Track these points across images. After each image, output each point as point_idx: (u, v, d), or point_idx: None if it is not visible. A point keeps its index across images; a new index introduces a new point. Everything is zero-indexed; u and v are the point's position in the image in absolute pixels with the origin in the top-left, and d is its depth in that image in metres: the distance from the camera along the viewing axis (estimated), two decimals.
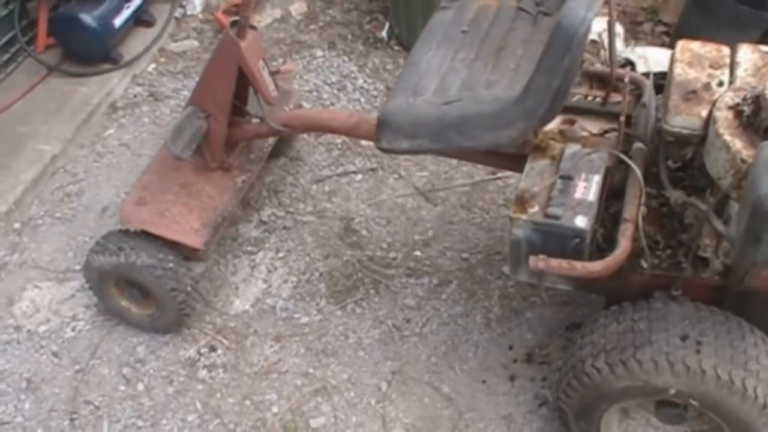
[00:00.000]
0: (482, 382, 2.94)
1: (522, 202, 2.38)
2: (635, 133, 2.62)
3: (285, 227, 3.46)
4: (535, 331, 3.07)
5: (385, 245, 3.38)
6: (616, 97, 2.78)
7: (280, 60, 4.17)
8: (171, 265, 2.91)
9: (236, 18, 2.79)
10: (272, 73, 2.91)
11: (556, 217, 2.32)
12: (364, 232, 3.43)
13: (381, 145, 2.47)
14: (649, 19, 4.20)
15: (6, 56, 4.07)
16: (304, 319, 3.15)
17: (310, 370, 3.00)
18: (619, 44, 3.88)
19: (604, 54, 3.84)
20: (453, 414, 2.86)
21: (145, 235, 2.93)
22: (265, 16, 4.42)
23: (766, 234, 1.95)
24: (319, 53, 4.23)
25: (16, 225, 3.53)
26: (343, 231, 3.43)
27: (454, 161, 3.63)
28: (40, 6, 4.02)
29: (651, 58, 3.73)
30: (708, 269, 2.43)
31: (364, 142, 3.73)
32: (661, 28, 4.17)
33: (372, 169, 3.67)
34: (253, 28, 2.84)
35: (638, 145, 2.57)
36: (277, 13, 4.47)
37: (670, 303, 2.40)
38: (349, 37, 4.31)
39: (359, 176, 3.65)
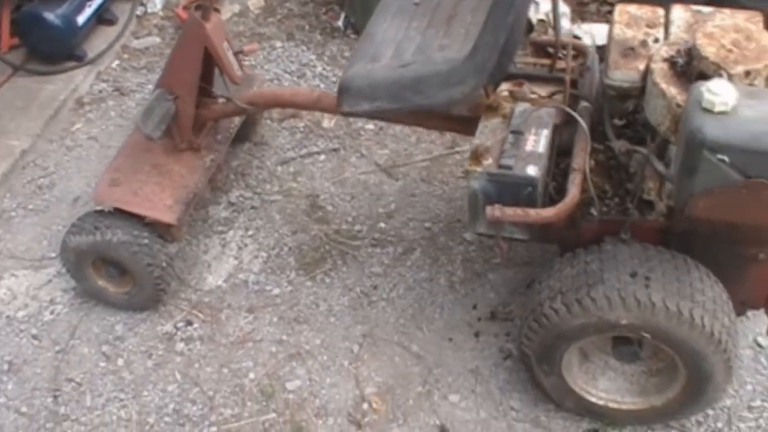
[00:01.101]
0: (449, 340, 3.09)
1: (477, 156, 2.54)
2: (581, 93, 2.80)
3: (253, 207, 3.59)
4: (497, 291, 3.23)
5: (350, 219, 3.52)
6: (562, 65, 2.97)
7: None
8: (146, 241, 3.03)
9: (200, 2, 2.94)
10: (236, 54, 3.06)
11: (509, 168, 2.49)
12: (330, 208, 3.57)
13: (343, 109, 2.63)
14: None
15: None
16: (276, 291, 3.28)
17: (284, 338, 3.13)
18: (566, 23, 4.09)
19: (551, 33, 4.03)
20: (423, 370, 3.01)
21: (120, 214, 3.04)
22: (224, 11, 4.56)
23: (700, 164, 2.14)
24: (279, 44, 4.38)
25: None
26: (309, 208, 3.57)
27: (414, 139, 3.80)
28: (2, 7, 4.11)
29: (597, 34, 3.94)
30: (653, 212, 2.62)
31: (325, 124, 3.90)
32: (606, 8, 4.37)
33: (334, 150, 3.82)
34: (217, 10, 2.99)
35: (584, 103, 2.75)
36: (236, 8, 4.62)
37: (619, 245, 2.57)
38: (307, 27, 4.47)
39: (322, 156, 3.79)
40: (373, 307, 3.21)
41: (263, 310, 3.22)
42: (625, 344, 2.66)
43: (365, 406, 2.92)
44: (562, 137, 2.75)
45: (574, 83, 2.83)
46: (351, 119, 3.91)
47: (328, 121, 3.92)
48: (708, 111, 2.10)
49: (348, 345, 3.10)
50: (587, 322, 2.49)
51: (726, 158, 2.09)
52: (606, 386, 2.79)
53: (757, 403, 2.87)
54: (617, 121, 2.74)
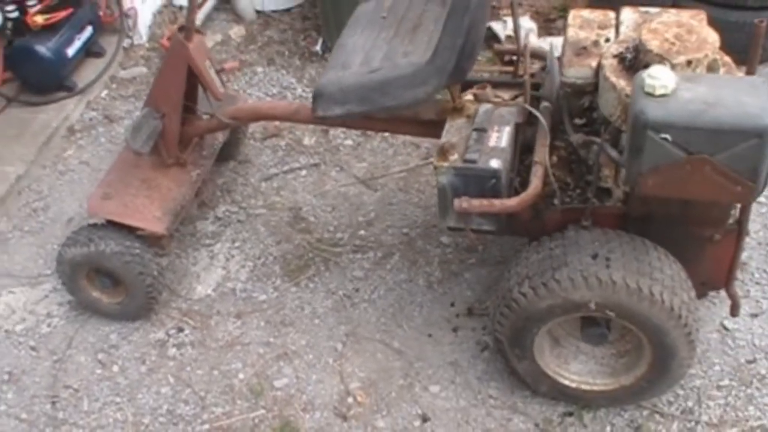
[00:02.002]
0: (428, 336, 3.24)
1: (443, 152, 2.72)
2: (542, 94, 2.99)
3: (239, 221, 3.76)
4: (473, 288, 3.38)
5: (331, 228, 3.69)
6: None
7: (224, 78, 4.50)
8: (137, 251, 3.19)
9: (183, 24, 3.14)
10: (218, 72, 3.25)
11: (473, 161, 2.66)
12: (312, 219, 3.74)
13: (317, 114, 2.82)
14: (561, 16, 4.62)
15: None
16: (262, 297, 3.44)
17: (271, 340, 3.28)
18: (533, 38, 4.30)
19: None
20: (404, 365, 3.15)
21: (112, 226, 3.21)
22: (207, 40, 4.74)
23: (645, 143, 2.32)
24: (260, 69, 4.60)
25: None
26: (292, 219, 3.74)
27: (390, 152, 3.99)
28: None
29: (559, 45, 4.14)
30: (611, 198, 2.80)
31: (306, 141, 4.10)
32: None
33: (315, 165, 4.00)
34: (199, 32, 3.19)
35: (545, 103, 2.93)
36: (218, 37, 4.85)
37: (581, 231, 2.74)
38: (286, 53, 4.69)
39: (304, 171, 3.98)
40: (355, 308, 3.36)
41: (251, 315, 3.37)
42: (592, 327, 2.81)
43: (350, 399, 3.06)
44: (525, 135, 2.93)
45: (537, 86, 3.02)
46: (331, 136, 4.11)
47: (308, 139, 4.12)
48: (650, 95, 2.29)
49: (332, 344, 3.24)
50: (554, 303, 2.65)
51: (668, 137, 2.27)
52: (578, 369, 2.94)
53: (725, 382, 3.01)
54: (578, 121, 2.93)
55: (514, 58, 3.26)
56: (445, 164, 2.68)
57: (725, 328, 3.17)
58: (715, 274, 2.86)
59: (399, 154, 3.97)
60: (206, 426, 3.02)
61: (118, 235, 3.19)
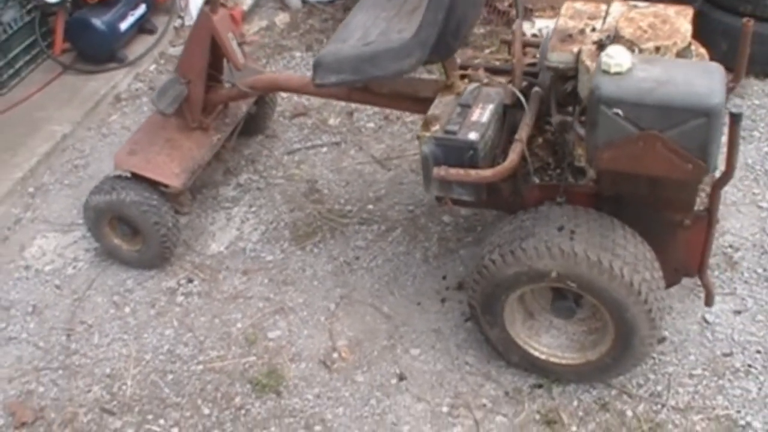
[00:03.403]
0: (417, 304, 3.42)
1: (427, 123, 2.90)
2: (535, 81, 3.16)
3: (258, 188, 4.02)
4: (466, 265, 3.54)
5: (342, 201, 3.92)
6: (528, 60, 3.34)
7: (264, 61, 4.81)
8: (154, 202, 3.47)
9: None
10: (240, 44, 3.52)
11: (453, 132, 2.84)
12: (326, 191, 3.98)
13: (315, 81, 3.05)
14: None
15: (27, 57, 4.78)
16: (269, 257, 3.68)
17: (271, 296, 3.51)
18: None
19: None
20: (390, 328, 3.34)
21: (135, 178, 3.50)
22: (253, 25, 5.12)
23: (600, 118, 2.47)
24: (298, 54, 4.89)
25: (30, 189, 4.15)
26: (307, 190, 3.98)
27: (409, 136, 4.20)
28: (58, 15, 4.72)
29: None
30: (585, 178, 2.95)
31: (331, 122, 4.36)
32: None
33: (336, 143, 4.24)
34: (224, 5, 3.46)
35: (536, 89, 3.10)
36: (264, 23, 5.17)
37: (554, 207, 2.89)
38: (324, 40, 4.93)
39: (325, 149, 4.22)
40: (353, 274, 3.56)
41: (256, 273, 3.61)
42: (561, 300, 2.96)
43: (335, 354, 3.27)
44: (515, 118, 3.10)
45: (534, 74, 3.19)
46: (355, 118, 4.36)
47: (333, 119, 4.37)
48: (606, 72, 2.44)
49: (326, 304, 3.45)
50: (519, 271, 2.79)
51: (620, 112, 2.42)
52: (548, 342, 3.07)
53: (698, 371, 3.09)
54: (567, 106, 3.08)
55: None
56: (427, 134, 2.87)
57: (706, 321, 3.25)
58: (687, 260, 2.95)
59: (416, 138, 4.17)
60: (200, 366, 3.27)
61: (139, 187, 3.47)
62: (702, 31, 4.44)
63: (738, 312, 3.28)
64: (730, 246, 3.54)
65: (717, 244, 3.53)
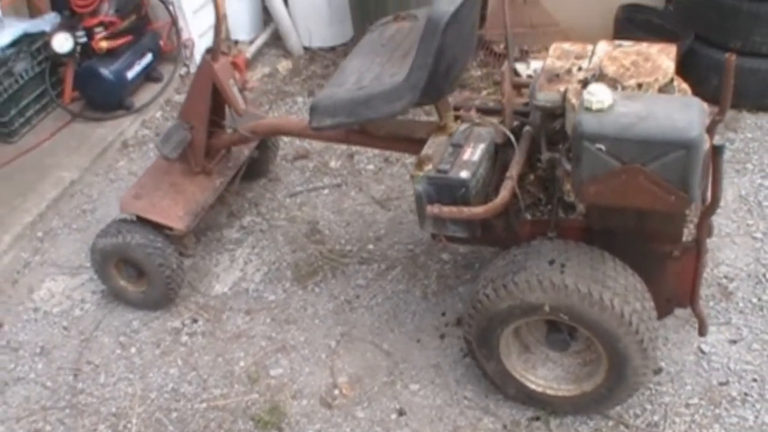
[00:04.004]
0: (417, 341, 3.48)
1: (420, 163, 2.99)
2: (526, 120, 3.25)
3: (261, 230, 4.12)
4: (465, 301, 3.59)
5: (343, 241, 4.00)
6: (520, 99, 3.44)
7: (267, 107, 4.95)
8: (159, 244, 3.56)
9: (210, 46, 3.55)
10: (241, 90, 3.64)
11: (445, 171, 2.93)
12: (327, 232, 4.06)
13: (312, 125, 3.14)
14: None
15: (38, 106, 4.93)
16: (272, 297, 3.76)
17: (274, 335, 3.58)
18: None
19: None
20: (390, 364, 3.40)
21: (140, 222, 3.61)
22: (256, 72, 5.27)
23: (584, 153, 2.55)
24: (300, 99, 5.02)
25: (39, 234, 4.26)
26: (309, 231, 4.07)
27: (408, 177, 4.28)
28: (67, 65, 4.88)
29: None
30: (574, 212, 3.02)
31: (332, 164, 4.46)
32: None
33: (337, 185, 4.34)
34: (224, 54, 3.59)
35: (527, 127, 3.19)
36: (267, 69, 5.32)
37: (545, 241, 2.96)
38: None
39: (326, 191, 4.32)
40: (353, 312, 3.64)
41: (259, 313, 3.69)
42: (555, 333, 3.01)
43: (336, 391, 3.32)
44: (506, 156, 3.19)
45: (526, 114, 3.29)
46: (355, 161, 4.46)
47: (334, 162, 4.48)
48: (588, 109, 2.53)
49: (327, 342, 3.52)
50: (513, 305, 2.85)
51: (602, 147, 2.50)
52: (544, 374, 3.12)
53: (695, 401, 3.13)
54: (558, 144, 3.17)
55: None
56: (420, 173, 2.96)
57: (702, 351, 3.30)
58: (679, 291, 3.01)
59: None
60: (204, 404, 3.33)
61: (144, 230, 3.57)
62: (693, 67, 4.60)
63: (733, 341, 3.32)
64: (725, 276, 3.59)
65: (712, 274, 3.59)
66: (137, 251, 3.54)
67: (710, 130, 2.90)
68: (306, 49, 5.52)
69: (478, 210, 2.89)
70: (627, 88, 2.72)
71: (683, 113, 2.51)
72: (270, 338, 3.57)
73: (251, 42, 5.53)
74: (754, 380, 3.17)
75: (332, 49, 5.50)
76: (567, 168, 2.82)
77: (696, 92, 4.42)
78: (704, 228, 2.86)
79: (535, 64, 4.68)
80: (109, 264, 3.66)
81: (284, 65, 5.35)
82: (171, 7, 5.14)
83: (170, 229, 3.60)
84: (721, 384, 3.18)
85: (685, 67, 4.44)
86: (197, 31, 5.31)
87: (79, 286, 3.93)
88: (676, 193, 2.53)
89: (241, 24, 5.56)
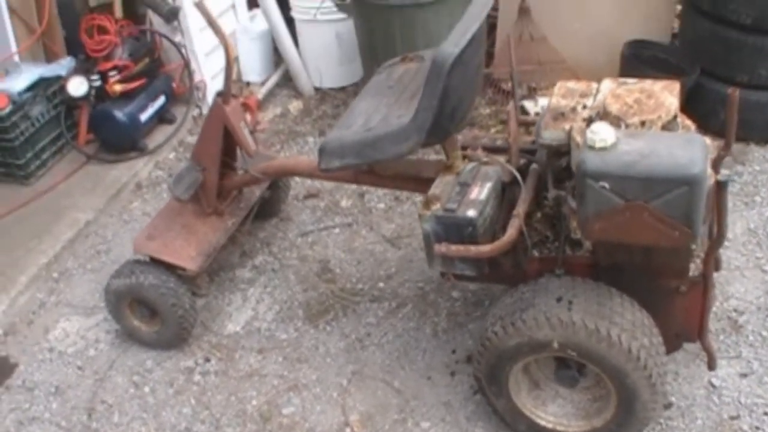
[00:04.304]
0: (428, 378, 3.49)
1: (427, 202, 3.03)
2: (533, 158, 3.29)
3: (273, 270, 4.16)
4: (475, 338, 3.60)
5: (354, 279, 4.04)
6: (527, 137, 3.48)
7: (278, 147, 5.02)
8: (172, 284, 3.61)
9: (221, 89, 3.63)
10: (251, 132, 3.70)
11: (452, 210, 2.96)
12: (338, 271, 4.10)
13: (321, 166, 3.19)
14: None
15: (54, 148, 5.03)
16: (283, 336, 3.79)
17: (286, 373, 3.60)
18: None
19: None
20: (401, 402, 3.41)
21: (153, 262, 3.66)
22: (267, 113, 5.36)
23: (588, 191, 2.59)
24: (311, 139, 5.09)
25: (55, 274, 4.32)
26: (320, 270, 4.11)
27: (417, 214, 4.32)
28: (82, 108, 4.98)
29: None
30: (581, 249, 3.05)
31: (343, 204, 4.51)
32: None
33: (348, 224, 4.39)
34: (235, 96, 3.66)
35: (533, 165, 3.24)
36: (278, 110, 5.40)
37: (552, 278, 2.99)
38: None
39: (337, 230, 4.37)
40: (364, 350, 3.66)
41: (271, 352, 3.72)
42: (564, 369, 3.03)
43: (348, 429, 3.33)
44: (514, 194, 3.22)
45: (533, 152, 3.33)
46: (366, 199, 4.51)
47: (345, 201, 4.53)
48: (591, 147, 2.57)
49: (339, 380, 3.54)
50: (521, 342, 2.88)
51: (606, 184, 2.54)
52: (554, 411, 3.13)
53: None
54: (565, 181, 3.21)
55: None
56: (428, 213, 3.00)
57: (712, 385, 3.30)
58: (687, 325, 3.02)
59: None
60: None
61: (157, 271, 3.62)
62: (701, 101, 4.66)
63: (744, 375, 3.33)
64: (735, 310, 3.60)
65: (721, 308, 3.60)
66: (150, 291, 3.59)
67: (716, 164, 2.94)
68: (316, 89, 5.61)
69: (485, 248, 2.92)
70: (630, 125, 2.75)
71: (685, 150, 2.54)
72: (282, 377, 3.59)
73: (263, 83, 5.64)
74: (765, 414, 3.16)
75: (342, 89, 5.58)
76: (572, 205, 2.86)
77: (704, 126, 4.56)
78: (710, 263, 2.88)
79: (543, 102, 4.73)
80: (123, 304, 3.70)
81: (295, 105, 5.43)
82: (183, 50, 5.25)
83: (183, 269, 3.65)
84: (732, 418, 3.18)
85: (692, 102, 4.55)
86: (209, 73, 5.41)
87: (94, 326, 3.97)
88: (680, 228, 2.55)
89: (253, 66, 5.67)
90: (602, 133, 2.57)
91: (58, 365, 3.80)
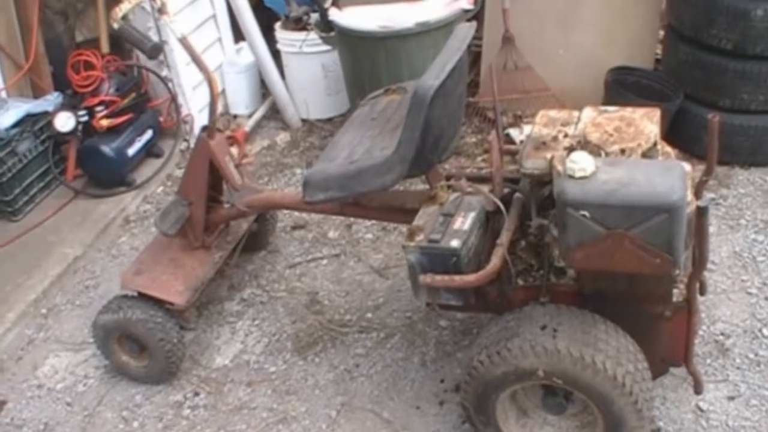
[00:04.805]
0: (416, 408, 3.49)
1: (411, 233, 3.04)
2: (516, 187, 3.32)
3: (261, 302, 4.17)
4: (464, 367, 3.62)
5: (342, 311, 4.05)
6: (512, 166, 3.51)
7: (266, 179, 5.04)
8: (160, 319, 3.61)
9: (206, 124, 3.66)
10: (237, 166, 3.73)
11: (436, 241, 2.98)
12: (326, 302, 4.11)
13: (305, 199, 3.22)
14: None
15: (41, 184, 5.03)
16: (272, 368, 3.78)
17: (275, 406, 3.60)
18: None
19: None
20: None
21: (140, 297, 3.66)
22: (255, 145, 5.39)
23: (569, 220, 2.61)
24: (299, 171, 5.11)
25: (43, 310, 4.31)
26: (309, 302, 4.12)
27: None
28: (70, 144, 5.00)
29: None
30: (566, 277, 3.07)
31: (330, 235, 4.53)
32: None
33: (336, 255, 4.40)
34: (220, 131, 3.69)
35: (517, 194, 3.26)
36: (266, 142, 5.43)
37: (537, 307, 3.00)
38: None
39: (325, 261, 4.38)
40: (353, 381, 3.66)
41: (260, 384, 3.71)
42: (551, 397, 3.03)
43: None
44: (497, 224, 3.24)
45: (517, 180, 3.35)
46: (353, 230, 4.53)
47: (333, 232, 4.55)
48: (571, 177, 2.60)
49: (328, 412, 3.53)
50: (507, 371, 2.88)
51: (586, 213, 2.57)
52: None
53: None
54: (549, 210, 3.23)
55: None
56: (412, 244, 3.01)
57: (700, 409, 3.30)
58: (672, 350, 3.03)
59: None
60: None
61: (145, 305, 3.63)
62: (685, 126, 4.70)
63: (731, 398, 3.34)
64: (722, 333, 3.61)
65: (708, 332, 3.62)
66: (138, 327, 3.59)
67: (698, 190, 2.97)
68: (303, 120, 5.64)
69: (469, 278, 2.94)
70: (610, 154, 2.79)
71: (664, 177, 2.56)
72: (271, 409, 3.58)
73: (250, 115, 5.67)
74: None
75: (329, 120, 5.61)
76: (554, 234, 2.88)
77: (688, 150, 4.61)
78: (694, 288, 2.90)
79: (529, 130, 4.76)
80: (111, 340, 3.70)
81: (282, 137, 5.47)
82: (170, 84, 5.29)
83: (171, 304, 3.66)
84: None
85: (676, 127, 4.60)
86: (196, 106, 5.44)
87: (83, 362, 3.96)
88: (661, 256, 2.57)
89: (240, 98, 5.71)
90: (582, 163, 2.60)
91: (47, 402, 3.79)
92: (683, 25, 4.65)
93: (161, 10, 3.56)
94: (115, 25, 3.44)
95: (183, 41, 3.50)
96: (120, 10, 3.40)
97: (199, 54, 3.54)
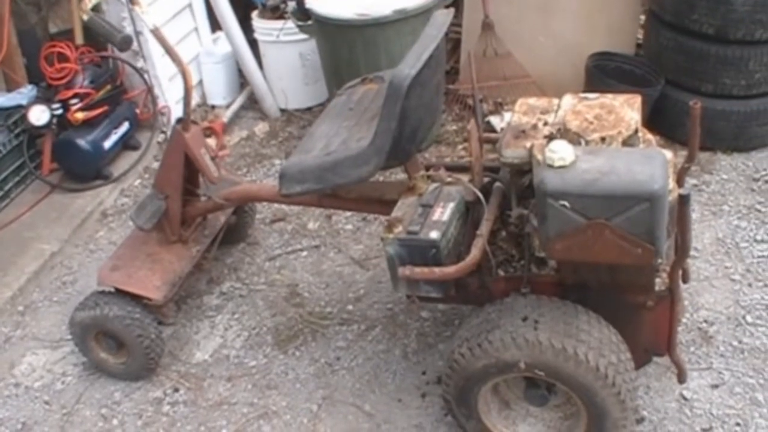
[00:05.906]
0: (398, 401, 3.46)
1: (390, 225, 2.99)
2: (496, 176, 3.28)
3: (241, 296, 4.12)
4: (446, 359, 3.59)
5: (323, 303, 4.00)
6: (492, 155, 3.47)
7: (245, 170, 4.98)
8: (137, 315, 3.56)
9: (181, 116, 3.59)
10: (213, 158, 3.66)
11: (415, 233, 2.93)
12: (306, 295, 4.07)
13: (282, 192, 3.16)
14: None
15: (17, 179, 4.96)
16: (252, 363, 3.74)
17: (255, 401, 3.55)
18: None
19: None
20: (372, 426, 3.37)
21: (117, 293, 3.60)
22: (233, 136, 5.32)
23: (548, 211, 2.57)
24: (277, 162, 5.05)
25: (20, 308, 4.25)
26: (289, 295, 4.07)
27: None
28: (45, 137, 4.92)
29: None
30: (547, 267, 3.03)
31: (310, 226, 4.48)
32: None
33: (316, 247, 4.36)
34: (195, 123, 3.62)
35: (497, 184, 3.22)
36: (244, 133, 5.37)
37: (518, 298, 2.96)
38: None
39: (305, 253, 4.33)
40: (334, 375, 3.62)
41: (240, 379, 3.67)
42: (533, 388, 3.00)
43: None
44: (478, 214, 3.20)
45: (497, 169, 3.31)
46: (333, 221, 4.48)
47: (312, 223, 4.50)
48: (550, 166, 2.56)
49: (309, 406, 3.49)
50: (488, 363, 2.85)
51: (566, 203, 2.53)
52: (525, 430, 3.11)
53: None
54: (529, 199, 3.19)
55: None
56: (391, 236, 2.96)
57: (684, 398, 3.29)
58: (655, 340, 3.00)
59: None
60: None
61: (122, 301, 3.57)
62: (667, 112, 4.67)
63: (715, 386, 3.32)
64: (705, 321, 3.60)
65: (692, 319, 3.60)
66: (115, 323, 3.54)
67: (680, 177, 2.93)
68: (282, 110, 5.59)
69: (449, 270, 2.89)
70: (591, 142, 2.74)
71: (645, 166, 2.52)
72: (252, 404, 3.54)
73: (228, 106, 5.61)
74: (737, 424, 3.16)
75: (308, 109, 5.57)
76: (535, 224, 2.84)
77: (670, 136, 4.58)
78: (676, 276, 2.87)
79: (509, 117, 4.73)
80: (89, 336, 3.65)
81: (261, 128, 5.40)
82: (146, 76, 5.22)
83: (148, 299, 3.60)
84: (705, 430, 3.17)
85: (658, 112, 4.58)
86: (173, 98, 5.37)
87: (61, 360, 3.90)
88: (642, 245, 2.53)
89: (217, 89, 5.65)
90: (561, 152, 2.56)
91: (25, 401, 3.73)
92: (664, 10, 4.62)
93: (133, 1, 3.49)
94: (85, 17, 3.36)
95: (155, 32, 3.43)
96: (89, 2, 3.33)
97: (172, 45, 3.46)
